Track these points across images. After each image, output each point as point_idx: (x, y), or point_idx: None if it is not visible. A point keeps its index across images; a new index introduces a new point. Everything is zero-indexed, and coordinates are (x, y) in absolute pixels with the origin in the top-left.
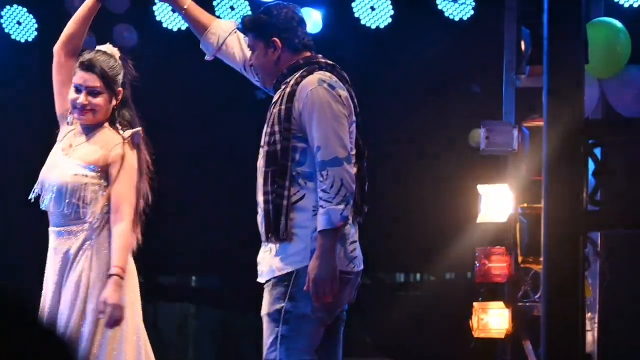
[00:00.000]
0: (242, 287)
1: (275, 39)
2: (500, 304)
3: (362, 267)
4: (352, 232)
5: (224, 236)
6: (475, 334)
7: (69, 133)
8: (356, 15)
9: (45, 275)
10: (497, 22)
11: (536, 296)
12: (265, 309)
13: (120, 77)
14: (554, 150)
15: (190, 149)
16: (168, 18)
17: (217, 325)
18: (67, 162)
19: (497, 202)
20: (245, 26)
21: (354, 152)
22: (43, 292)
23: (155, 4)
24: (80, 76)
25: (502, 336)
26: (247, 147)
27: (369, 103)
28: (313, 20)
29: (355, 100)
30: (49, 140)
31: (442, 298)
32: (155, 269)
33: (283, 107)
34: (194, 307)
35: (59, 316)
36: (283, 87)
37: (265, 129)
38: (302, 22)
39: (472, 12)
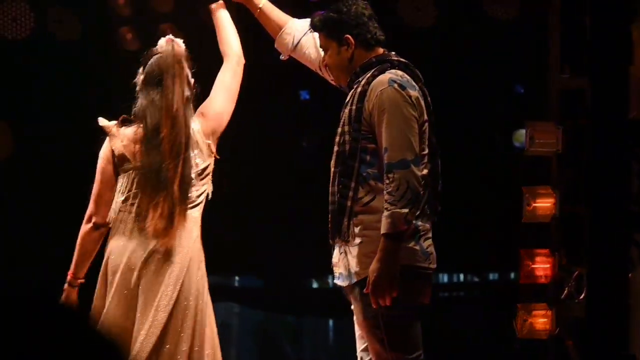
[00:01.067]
0: (282, 289)
1: (348, 36)
2: (544, 305)
3: (435, 265)
4: (428, 227)
5: (266, 237)
6: (519, 335)
7: None
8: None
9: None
10: (541, 22)
11: (580, 297)
12: (360, 317)
13: None
14: (598, 150)
15: (233, 149)
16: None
17: (258, 325)
18: None
19: (541, 203)
20: (315, 26)
21: (425, 152)
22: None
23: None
24: None
25: (546, 337)
26: (291, 148)
27: None
28: None
29: (429, 98)
30: (92, 139)
31: (485, 299)
32: None
33: (354, 107)
34: (237, 307)
35: None
36: (355, 86)
37: (338, 130)
38: (372, 17)
39: (516, 12)
